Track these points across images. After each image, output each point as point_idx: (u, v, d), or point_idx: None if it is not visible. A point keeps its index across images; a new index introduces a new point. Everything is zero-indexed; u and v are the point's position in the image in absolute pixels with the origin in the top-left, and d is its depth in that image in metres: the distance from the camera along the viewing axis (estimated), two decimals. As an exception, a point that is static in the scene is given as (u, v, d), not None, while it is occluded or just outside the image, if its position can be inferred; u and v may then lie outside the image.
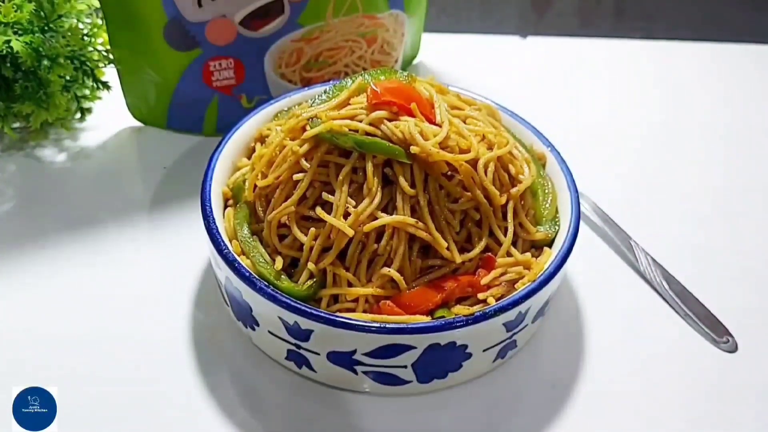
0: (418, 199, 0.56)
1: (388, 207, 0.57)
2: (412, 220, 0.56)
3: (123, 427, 0.57)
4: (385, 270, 0.56)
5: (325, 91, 0.63)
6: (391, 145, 0.56)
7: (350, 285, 0.56)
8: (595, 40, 1.03)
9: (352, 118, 0.58)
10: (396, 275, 0.56)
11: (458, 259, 0.56)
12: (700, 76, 0.98)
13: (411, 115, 0.58)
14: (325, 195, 0.57)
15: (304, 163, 0.58)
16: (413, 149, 0.56)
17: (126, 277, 0.68)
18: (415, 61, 0.95)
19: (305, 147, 0.58)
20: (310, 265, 0.56)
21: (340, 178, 0.57)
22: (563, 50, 1.00)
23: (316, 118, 0.58)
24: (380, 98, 0.58)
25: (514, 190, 0.60)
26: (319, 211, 0.56)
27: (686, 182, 0.81)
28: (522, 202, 0.61)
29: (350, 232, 0.55)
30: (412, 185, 0.57)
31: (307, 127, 0.58)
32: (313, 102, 0.62)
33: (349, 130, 0.57)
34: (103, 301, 0.66)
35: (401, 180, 0.56)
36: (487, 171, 0.58)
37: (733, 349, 0.64)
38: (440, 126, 0.58)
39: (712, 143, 0.87)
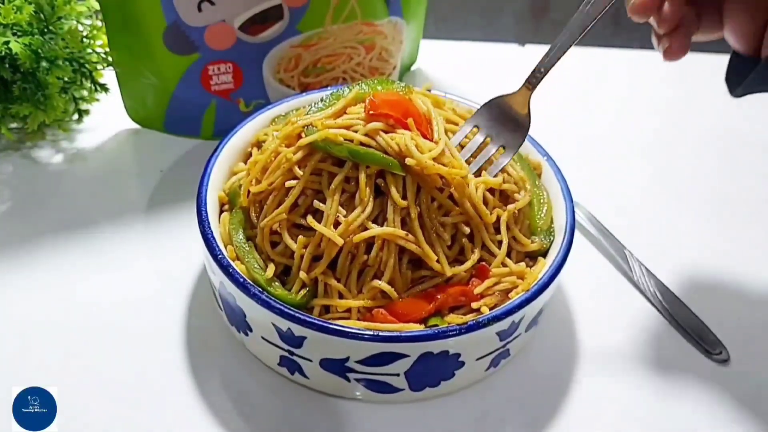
0: (408, 211, 0.56)
1: (378, 218, 0.57)
2: (402, 233, 0.56)
3: (121, 428, 0.57)
4: (376, 282, 0.56)
5: (321, 99, 0.63)
6: (385, 156, 0.56)
7: (341, 296, 0.56)
8: (593, 49, 1.03)
9: (348, 127, 0.58)
10: (386, 287, 0.56)
11: (448, 272, 0.57)
12: (697, 86, 0.98)
13: (407, 129, 0.59)
14: (316, 203, 0.57)
15: (297, 171, 0.58)
16: (409, 161, 0.56)
17: (121, 279, 0.68)
18: (413, 68, 0.95)
19: (299, 154, 0.58)
20: (302, 275, 0.56)
21: (332, 186, 0.57)
22: (562, 58, 1.00)
23: (312, 126, 0.58)
24: (377, 109, 0.58)
25: (510, 206, 0.60)
26: (309, 219, 0.56)
27: (682, 193, 0.82)
28: (517, 215, 0.61)
29: (339, 242, 0.55)
30: (404, 197, 0.57)
31: (303, 135, 0.58)
32: (310, 109, 0.62)
33: (344, 139, 0.57)
34: (99, 302, 0.66)
35: (393, 191, 0.56)
36: (477, 189, 0.59)
37: (726, 360, 0.64)
38: (436, 143, 0.59)
39: (709, 154, 0.87)
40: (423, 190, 0.57)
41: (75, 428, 0.57)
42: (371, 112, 0.58)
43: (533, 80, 0.62)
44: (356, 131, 0.58)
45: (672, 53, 0.60)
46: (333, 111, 0.60)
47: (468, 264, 0.58)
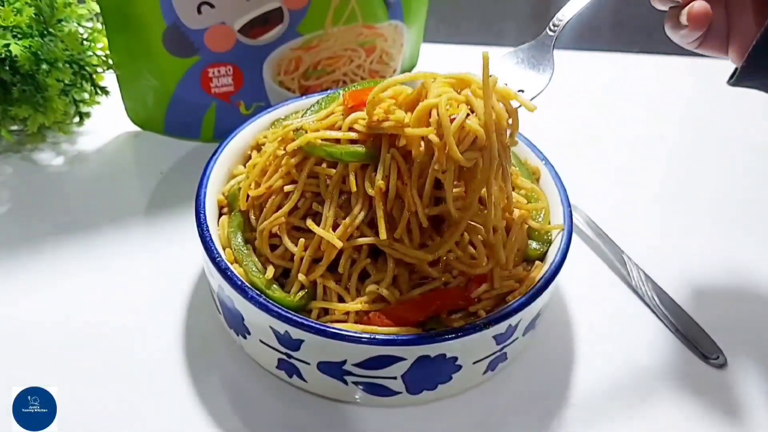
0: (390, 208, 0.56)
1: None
2: (385, 241, 0.55)
3: (120, 428, 0.58)
4: (374, 287, 0.56)
5: (318, 102, 0.63)
6: (359, 150, 0.55)
7: (340, 298, 0.57)
8: (593, 53, 1.03)
9: (333, 125, 0.58)
10: (385, 292, 0.56)
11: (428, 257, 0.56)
12: (697, 91, 0.98)
13: None
14: (315, 206, 0.57)
15: (295, 174, 0.58)
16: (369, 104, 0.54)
17: (121, 281, 0.68)
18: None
19: (296, 158, 0.58)
20: (301, 277, 0.56)
21: (329, 189, 0.57)
22: (561, 62, 1.00)
23: (301, 130, 0.58)
24: (356, 100, 0.57)
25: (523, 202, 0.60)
26: (309, 222, 0.56)
27: (681, 197, 0.82)
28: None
29: (339, 244, 0.55)
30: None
31: (295, 138, 0.58)
32: (305, 113, 0.62)
33: (326, 140, 0.56)
34: (98, 304, 0.66)
35: (352, 182, 0.55)
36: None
37: (723, 365, 0.64)
38: None
39: (708, 158, 0.87)
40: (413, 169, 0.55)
41: (75, 428, 0.57)
42: (350, 104, 0.57)
43: (556, 24, 0.59)
44: (339, 128, 0.57)
45: (695, 17, 0.55)
46: (325, 113, 0.60)
47: (445, 241, 0.56)
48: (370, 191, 0.55)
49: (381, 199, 0.55)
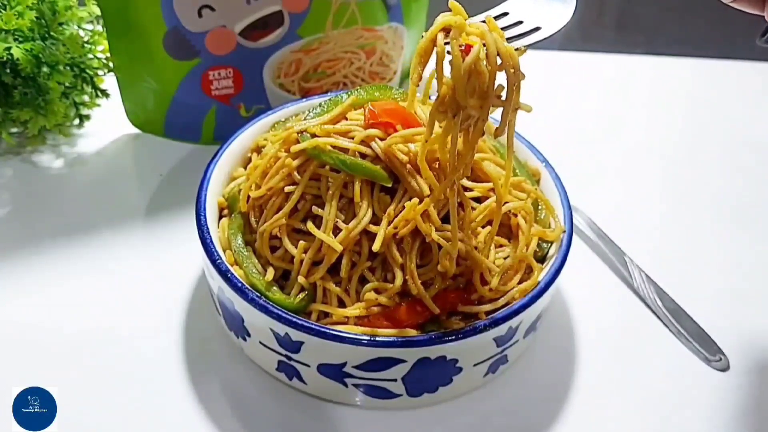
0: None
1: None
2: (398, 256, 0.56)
3: (120, 429, 0.58)
4: (372, 295, 0.56)
5: (320, 104, 0.63)
6: (373, 167, 0.56)
7: (340, 300, 0.57)
8: (596, 54, 1.03)
9: (346, 133, 0.58)
10: (384, 300, 0.56)
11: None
12: (699, 92, 0.98)
13: None
14: (315, 209, 0.57)
15: (296, 176, 0.58)
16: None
17: (120, 283, 0.68)
18: (414, 73, 0.95)
19: (298, 160, 0.58)
20: (301, 279, 0.56)
21: (330, 192, 0.57)
22: (563, 64, 1.00)
23: (306, 132, 0.58)
24: (377, 119, 0.57)
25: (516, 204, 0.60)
26: (309, 225, 0.56)
27: (682, 199, 0.81)
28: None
29: (339, 248, 0.55)
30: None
31: (299, 141, 0.58)
32: (308, 115, 0.62)
33: (335, 147, 0.57)
34: (98, 305, 0.66)
35: (357, 193, 0.56)
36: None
37: (725, 367, 0.64)
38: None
39: (709, 160, 0.87)
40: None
41: (75, 428, 0.57)
42: (371, 121, 0.58)
43: None
44: (353, 138, 0.57)
45: None
46: (330, 117, 0.60)
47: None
48: (382, 215, 0.56)
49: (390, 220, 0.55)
